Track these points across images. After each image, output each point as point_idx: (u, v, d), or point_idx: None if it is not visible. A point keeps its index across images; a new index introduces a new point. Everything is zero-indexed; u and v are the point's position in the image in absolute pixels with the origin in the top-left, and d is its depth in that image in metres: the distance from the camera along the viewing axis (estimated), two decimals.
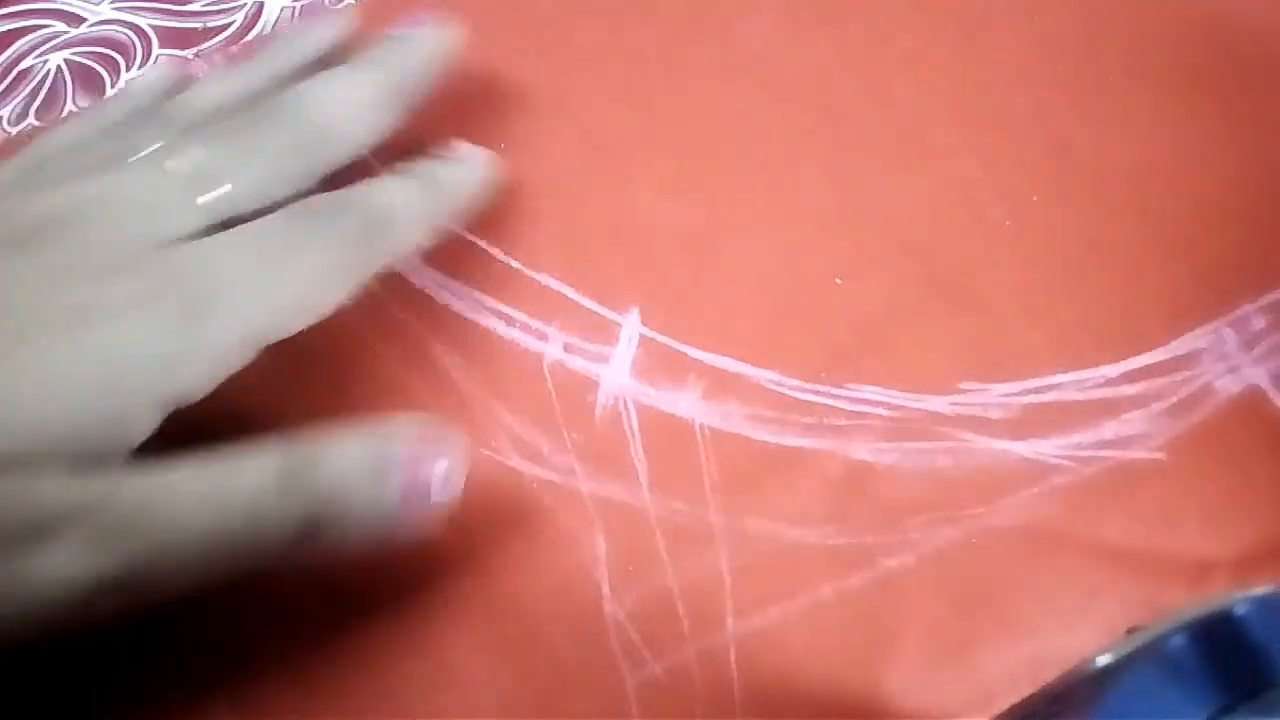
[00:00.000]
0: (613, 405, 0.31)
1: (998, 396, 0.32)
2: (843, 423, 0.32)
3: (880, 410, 0.32)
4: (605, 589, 0.29)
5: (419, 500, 0.23)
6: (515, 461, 0.31)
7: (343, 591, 0.29)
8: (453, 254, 0.33)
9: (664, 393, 0.32)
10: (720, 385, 0.32)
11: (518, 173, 0.34)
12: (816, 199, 0.34)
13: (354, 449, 0.23)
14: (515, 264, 0.33)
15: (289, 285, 0.24)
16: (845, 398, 0.32)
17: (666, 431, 0.31)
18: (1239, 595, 0.19)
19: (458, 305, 0.32)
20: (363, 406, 0.31)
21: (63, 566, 0.19)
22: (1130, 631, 0.19)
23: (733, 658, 0.29)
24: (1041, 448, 0.31)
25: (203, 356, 0.23)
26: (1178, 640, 0.18)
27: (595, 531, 0.30)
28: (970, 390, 0.32)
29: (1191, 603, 0.19)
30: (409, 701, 0.28)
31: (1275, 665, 0.18)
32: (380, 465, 0.23)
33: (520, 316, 0.32)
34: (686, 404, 0.32)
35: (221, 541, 0.21)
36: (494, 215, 0.33)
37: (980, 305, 0.33)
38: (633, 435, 0.31)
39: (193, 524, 0.21)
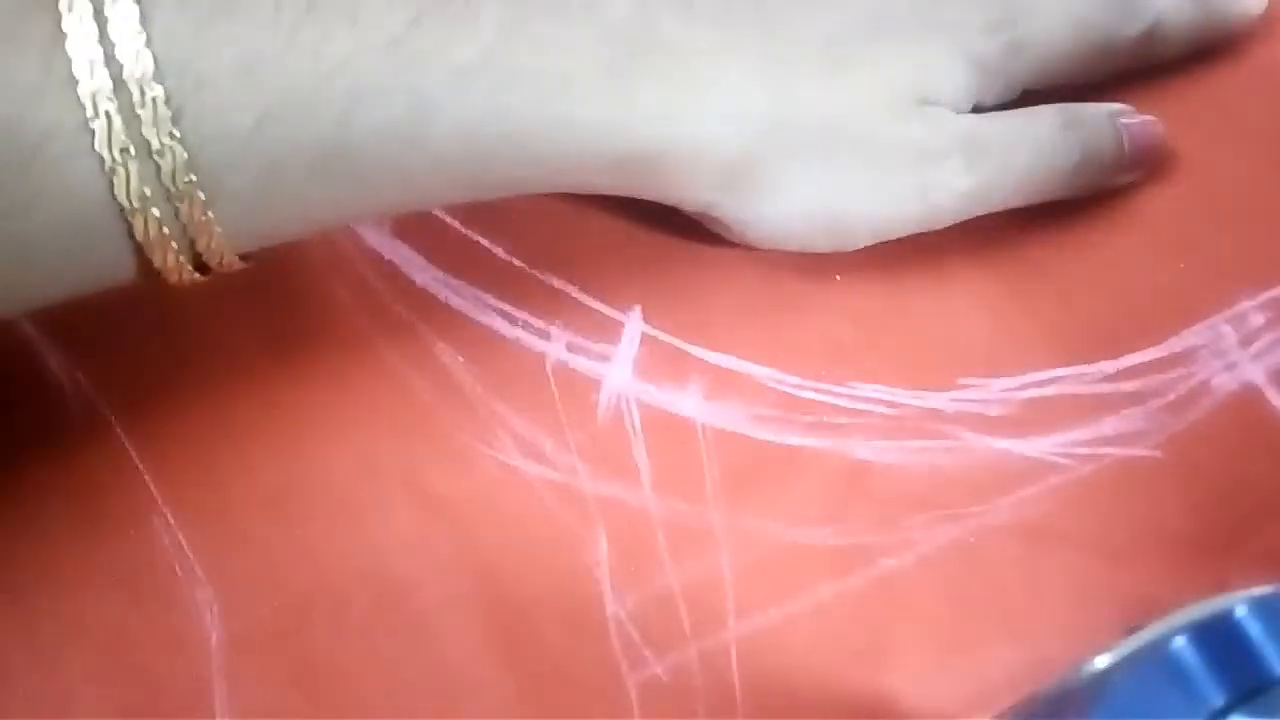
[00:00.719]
0: (615, 405, 0.32)
1: (998, 392, 0.32)
2: (843, 421, 0.32)
3: (880, 408, 0.32)
4: (607, 589, 0.29)
5: (1142, 141, 0.33)
6: (517, 461, 0.31)
7: (344, 590, 0.29)
8: (455, 252, 0.33)
9: (666, 392, 0.32)
10: (722, 384, 0.32)
11: None
12: None
13: (1100, 111, 0.33)
14: (518, 263, 0.33)
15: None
16: (846, 395, 0.32)
17: (668, 431, 0.31)
18: (1239, 596, 0.19)
19: (460, 304, 0.32)
20: (364, 404, 0.31)
21: (954, 177, 0.31)
22: (1130, 632, 0.19)
23: (734, 657, 0.29)
24: (1041, 445, 0.32)
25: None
26: (1177, 641, 0.18)
27: (597, 531, 0.30)
28: (970, 385, 0.32)
29: (1191, 603, 0.19)
30: (410, 699, 0.28)
31: (1274, 665, 0.18)
32: (1117, 119, 0.33)
33: (523, 315, 0.32)
34: (688, 403, 0.32)
35: (1037, 164, 0.32)
36: (497, 214, 0.33)
37: (979, 300, 0.33)
38: (635, 435, 0.31)
39: (1018, 151, 0.31)
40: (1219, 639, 0.18)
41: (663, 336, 0.32)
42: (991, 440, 0.32)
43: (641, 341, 0.32)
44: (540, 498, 0.30)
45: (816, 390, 0.32)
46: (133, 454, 0.30)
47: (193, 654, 0.28)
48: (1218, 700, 0.17)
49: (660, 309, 0.33)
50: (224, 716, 0.28)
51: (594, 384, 0.32)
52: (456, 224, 0.33)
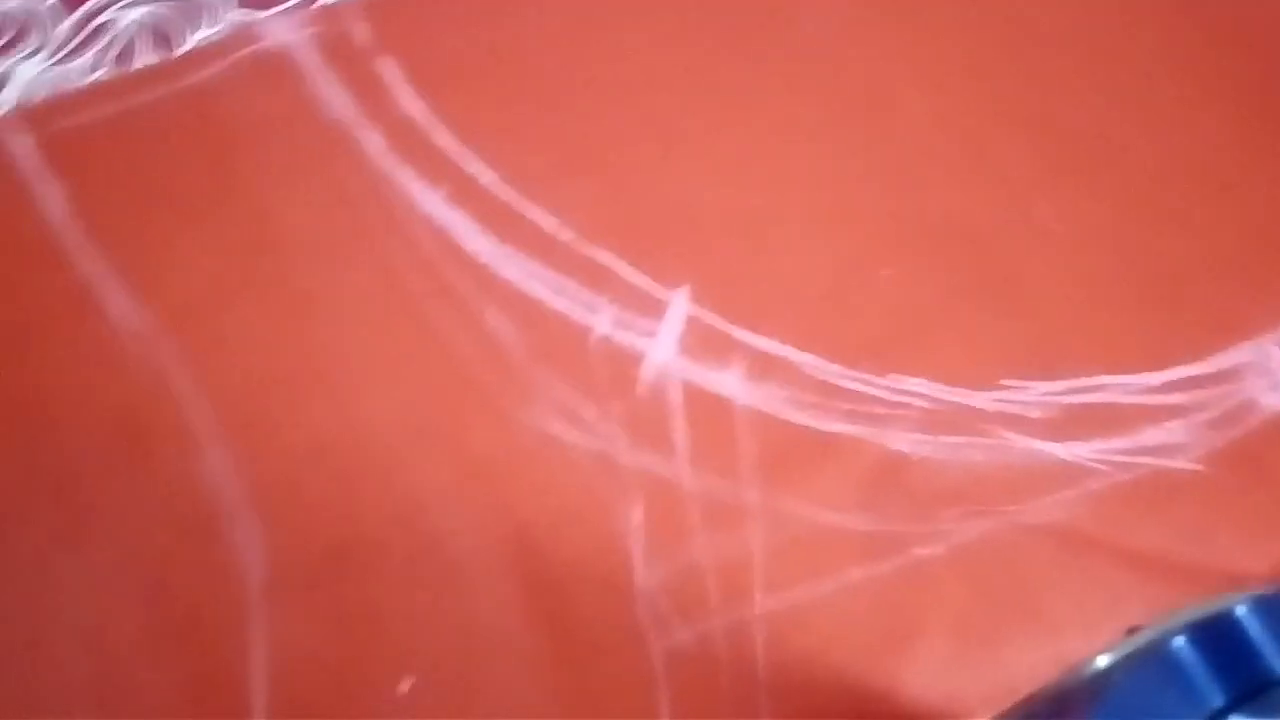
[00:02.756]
0: (657, 380, 0.32)
1: (1039, 395, 0.32)
2: (882, 411, 0.32)
3: (920, 402, 0.32)
4: (638, 558, 0.30)
5: None
6: (558, 429, 0.31)
7: (383, 540, 0.30)
8: (509, 223, 0.33)
9: (708, 371, 0.32)
10: (763, 367, 0.32)
11: (579, 149, 0.34)
12: (870, 191, 0.34)
13: None
14: (570, 236, 0.33)
15: None
16: (886, 387, 0.32)
17: (708, 409, 0.32)
18: (1238, 596, 0.18)
19: (510, 273, 0.33)
20: (413, 363, 0.32)
21: None
22: (1130, 632, 0.19)
23: (759, 633, 0.29)
24: (1079, 450, 0.31)
25: None
26: (1177, 641, 0.18)
27: (632, 502, 0.30)
28: (1012, 387, 0.32)
29: (1191, 603, 0.19)
30: (440, 646, 0.29)
31: (1274, 665, 0.18)
32: None
33: (572, 288, 0.33)
34: (729, 383, 0.32)
35: None
36: (552, 188, 0.33)
37: (1027, 305, 0.33)
38: (675, 410, 0.31)
39: None
40: (1219, 639, 0.18)
41: (708, 317, 0.33)
42: (1030, 441, 0.32)
43: (687, 320, 0.33)
44: (578, 465, 0.31)
45: (857, 380, 0.32)
46: (191, 397, 0.31)
47: (235, 589, 0.29)
48: (1217, 700, 0.17)
49: (708, 290, 0.33)
50: (259, 648, 0.28)
51: (638, 358, 0.32)
52: (512, 194, 0.34)
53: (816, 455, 0.31)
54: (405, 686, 0.28)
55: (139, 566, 0.29)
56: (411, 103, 0.34)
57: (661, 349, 0.32)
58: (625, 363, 0.32)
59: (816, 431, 0.32)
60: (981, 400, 0.32)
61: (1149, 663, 0.18)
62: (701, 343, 0.32)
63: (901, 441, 0.31)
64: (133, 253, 0.32)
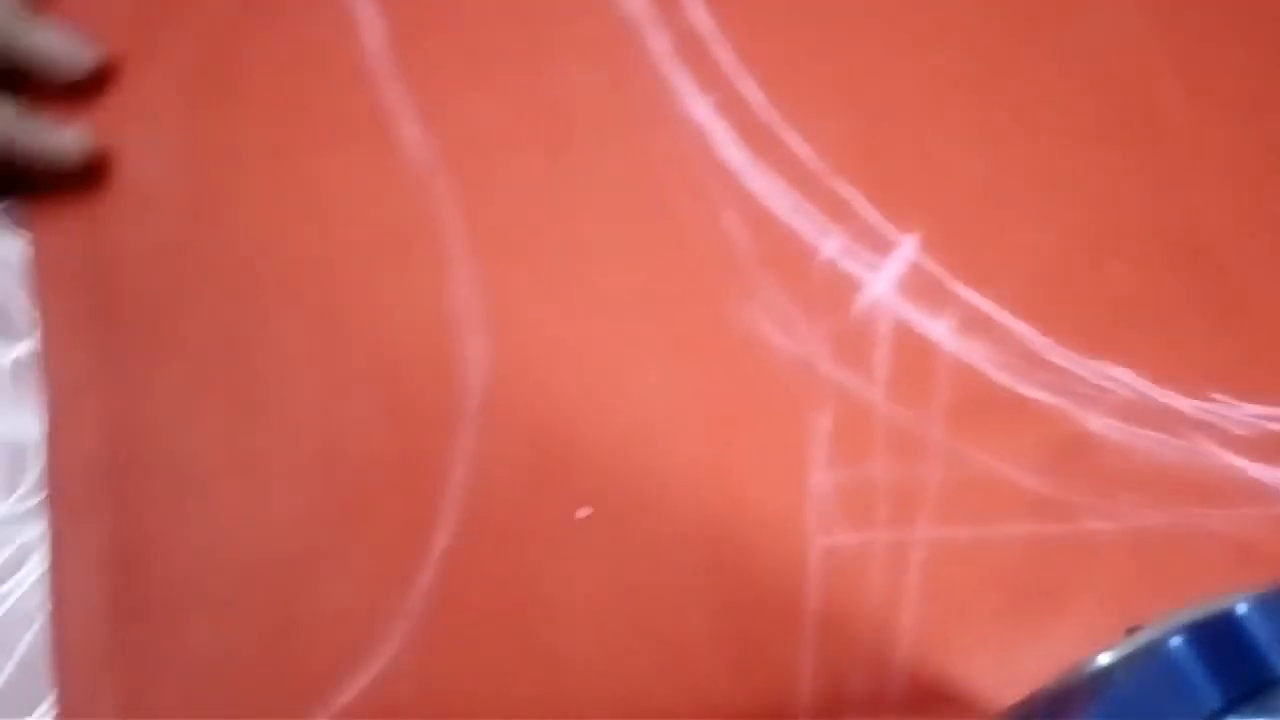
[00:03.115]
0: (870, 310, 0.33)
1: (1248, 414, 0.32)
2: (1082, 391, 0.32)
3: (1122, 391, 0.32)
4: (817, 460, 0.31)
5: None
6: (768, 329, 0.33)
7: (586, 392, 0.32)
8: (766, 141, 0.35)
9: (920, 314, 0.33)
10: (975, 323, 0.33)
11: (846, 88, 0.36)
12: (1116, 184, 0.35)
13: None
14: (819, 166, 0.35)
15: None
16: (1091, 369, 0.33)
17: (913, 347, 0.33)
18: (1238, 596, 0.18)
19: (756, 185, 0.35)
20: (649, 246, 0.34)
21: None
22: (1130, 631, 0.19)
23: (918, 555, 0.30)
24: (1276, 476, 0.31)
25: None
26: (1176, 640, 0.18)
27: (823, 409, 0.32)
28: (1221, 401, 0.32)
29: (1191, 603, 0.18)
30: (615, 492, 0.31)
31: (1273, 665, 0.17)
32: None
33: (810, 210, 0.35)
34: (938, 330, 0.33)
35: None
36: (813, 119, 0.35)
37: (1253, 326, 0.33)
38: (881, 341, 0.33)
39: None
40: (1218, 639, 0.18)
41: (932, 266, 0.34)
42: (1226, 454, 0.32)
43: (911, 265, 0.34)
44: (780, 365, 0.32)
45: (1064, 357, 0.33)
46: (453, 225, 0.34)
47: (453, 406, 0.32)
48: (1217, 699, 0.17)
49: (937, 242, 0.34)
50: (460, 467, 0.31)
51: (856, 286, 0.34)
52: (774, 117, 0.36)
53: (1008, 413, 0.32)
54: (583, 513, 0.30)
55: (379, 371, 0.32)
56: (701, 15, 0.37)
57: (880, 284, 0.34)
58: (843, 288, 0.34)
59: (1013, 393, 0.32)
60: (1186, 406, 0.32)
61: (1148, 662, 0.18)
62: (920, 288, 0.34)
63: (1095, 422, 0.32)
64: (432, 91, 0.35)
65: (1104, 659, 0.19)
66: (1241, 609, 0.18)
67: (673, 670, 0.29)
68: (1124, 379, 0.33)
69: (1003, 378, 0.33)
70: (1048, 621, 0.29)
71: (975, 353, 0.33)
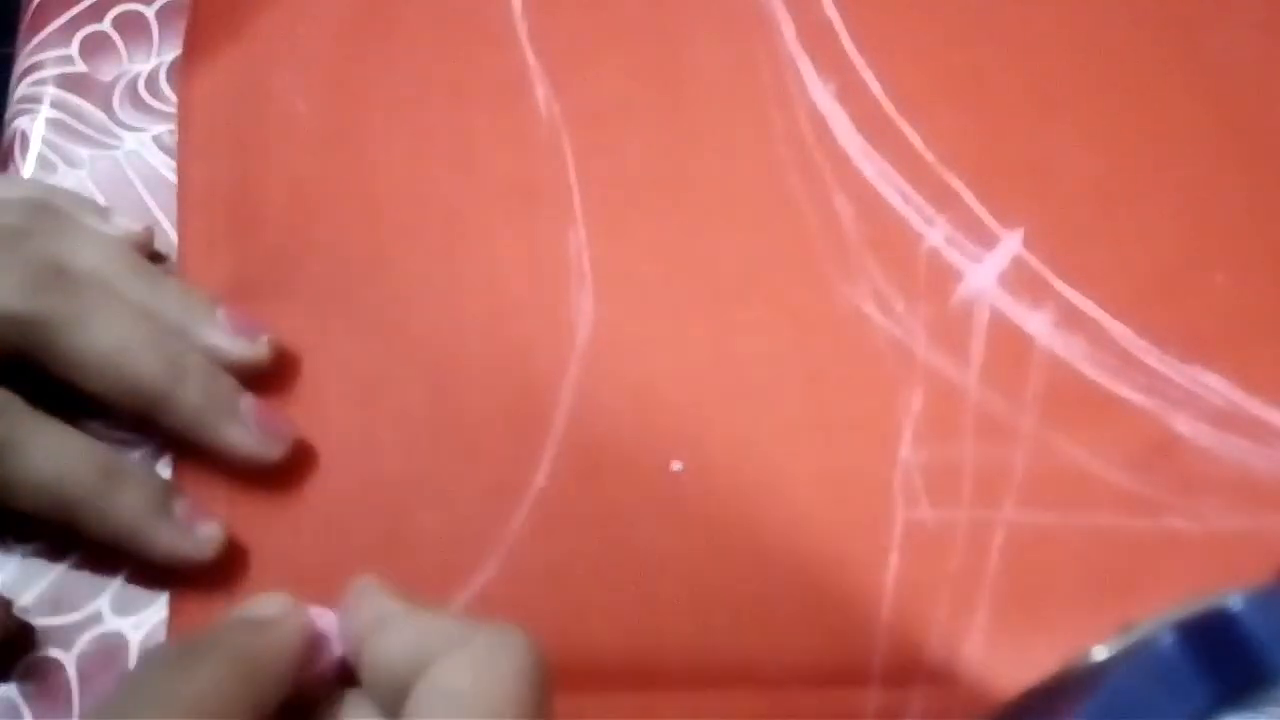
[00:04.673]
0: (969, 299, 0.34)
1: None
2: (1175, 394, 0.33)
3: (1215, 399, 0.33)
4: (907, 436, 0.32)
5: None
6: (869, 309, 0.34)
7: (685, 347, 0.33)
8: (881, 128, 0.36)
9: (1019, 307, 0.34)
10: (1074, 320, 0.34)
11: (963, 85, 0.37)
12: (1230, 199, 0.35)
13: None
14: (930, 157, 0.36)
15: None
16: (1186, 375, 0.33)
17: (1009, 338, 0.34)
18: (1232, 592, 0.18)
19: (868, 170, 0.36)
20: (758, 219, 0.35)
21: None
22: (1123, 628, 0.19)
23: (999, 535, 0.31)
24: None
25: None
26: (1169, 637, 0.17)
27: (916, 389, 0.33)
28: None
29: (1184, 600, 0.18)
30: (709, 449, 0.32)
31: (1267, 662, 0.17)
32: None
33: (918, 199, 0.36)
34: (1036, 324, 0.34)
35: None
36: (929, 112, 0.36)
37: None
38: (978, 329, 0.34)
39: None
40: (1211, 636, 0.17)
41: (1034, 262, 0.35)
42: None
43: (1013, 259, 0.35)
44: (878, 344, 0.33)
45: (1160, 360, 0.33)
46: (576, 182, 0.36)
47: (563, 344, 0.33)
48: (1209, 696, 0.17)
49: (1042, 239, 0.35)
50: (564, 406, 0.32)
51: (957, 275, 0.34)
52: (891, 107, 0.37)
53: (1099, 408, 0.33)
54: (677, 466, 0.32)
55: (492, 315, 0.34)
56: (829, 4, 0.38)
57: (982, 275, 0.35)
58: (945, 275, 0.35)
59: (1105, 390, 0.33)
60: (1277, 417, 0.33)
61: (1141, 659, 0.17)
62: (1021, 282, 0.34)
63: (1185, 425, 0.32)
64: (565, 56, 0.37)
65: (1097, 655, 0.19)
66: (1236, 606, 0.17)
67: (751, 625, 0.31)
68: (1217, 386, 0.33)
69: (1096, 374, 0.33)
70: (1125, 613, 0.30)
71: (1071, 348, 0.34)
